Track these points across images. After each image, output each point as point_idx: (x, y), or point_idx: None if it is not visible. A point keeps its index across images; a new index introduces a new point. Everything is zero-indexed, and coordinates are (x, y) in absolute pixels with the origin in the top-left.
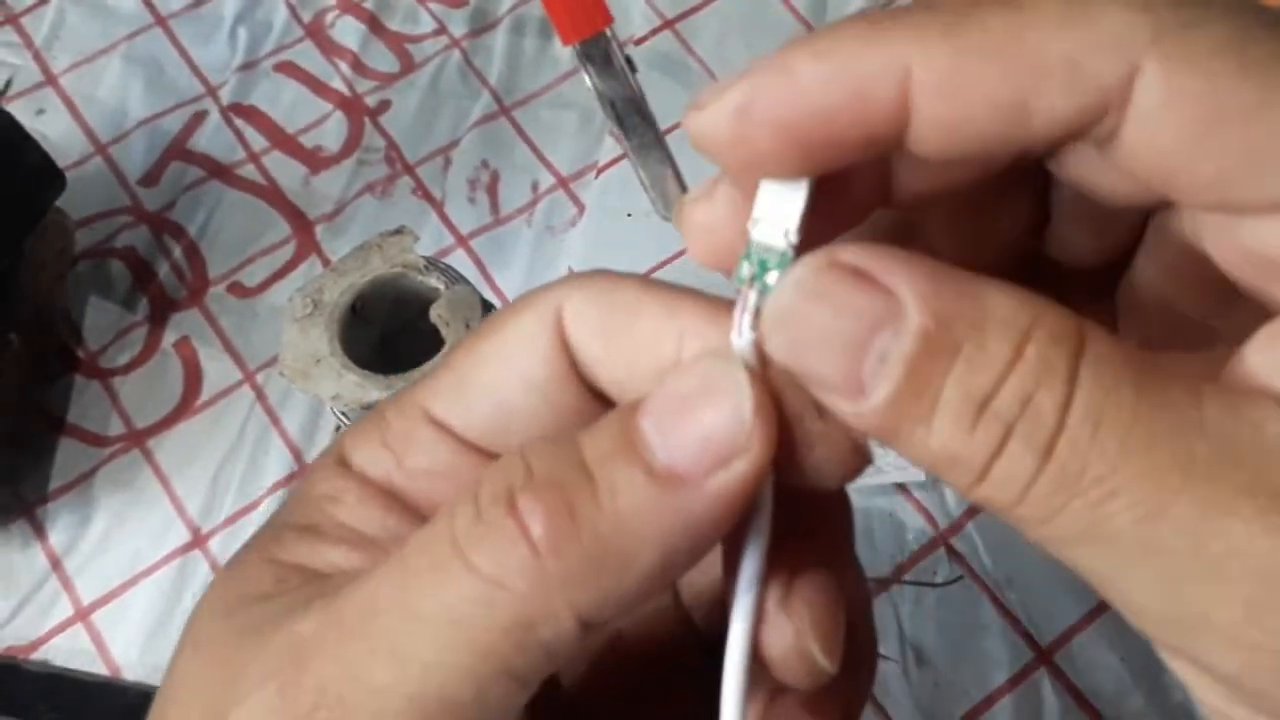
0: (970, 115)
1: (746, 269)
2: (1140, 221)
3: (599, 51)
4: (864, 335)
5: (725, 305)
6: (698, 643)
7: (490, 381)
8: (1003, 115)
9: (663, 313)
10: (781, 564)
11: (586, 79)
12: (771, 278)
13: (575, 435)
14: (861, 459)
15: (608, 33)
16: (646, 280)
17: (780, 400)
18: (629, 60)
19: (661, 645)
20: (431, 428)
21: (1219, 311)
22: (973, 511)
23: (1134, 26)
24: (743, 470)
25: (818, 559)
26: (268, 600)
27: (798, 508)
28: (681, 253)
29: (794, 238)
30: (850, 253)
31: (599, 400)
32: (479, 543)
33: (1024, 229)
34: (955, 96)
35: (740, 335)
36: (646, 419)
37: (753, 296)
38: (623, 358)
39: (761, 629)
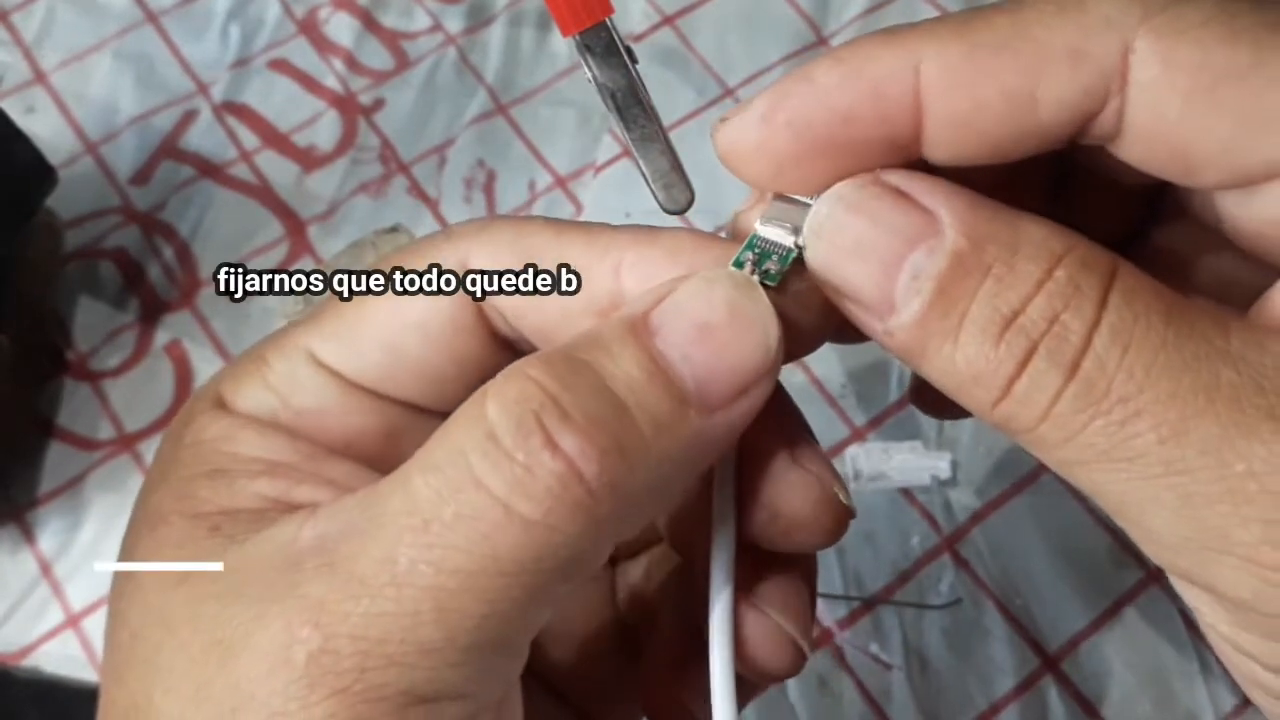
0: (980, 107)
1: (748, 256)
2: (1154, 197)
3: (599, 42)
4: (899, 250)
5: (650, 231)
6: (620, 628)
7: (383, 330)
8: (1012, 105)
9: (591, 253)
10: (777, 439)
11: (586, 71)
12: (772, 264)
13: (580, 355)
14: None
15: (608, 23)
16: (550, 221)
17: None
18: (629, 51)
19: (589, 629)
20: (316, 369)
21: (1231, 280)
22: (978, 517)
23: (1123, 9)
24: (762, 394)
25: (798, 425)
26: (216, 556)
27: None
28: None
29: (801, 238)
30: (893, 174)
31: (503, 347)
32: (524, 490)
33: (1042, 201)
34: (966, 89)
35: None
36: (668, 344)
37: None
38: (550, 303)
39: (788, 494)
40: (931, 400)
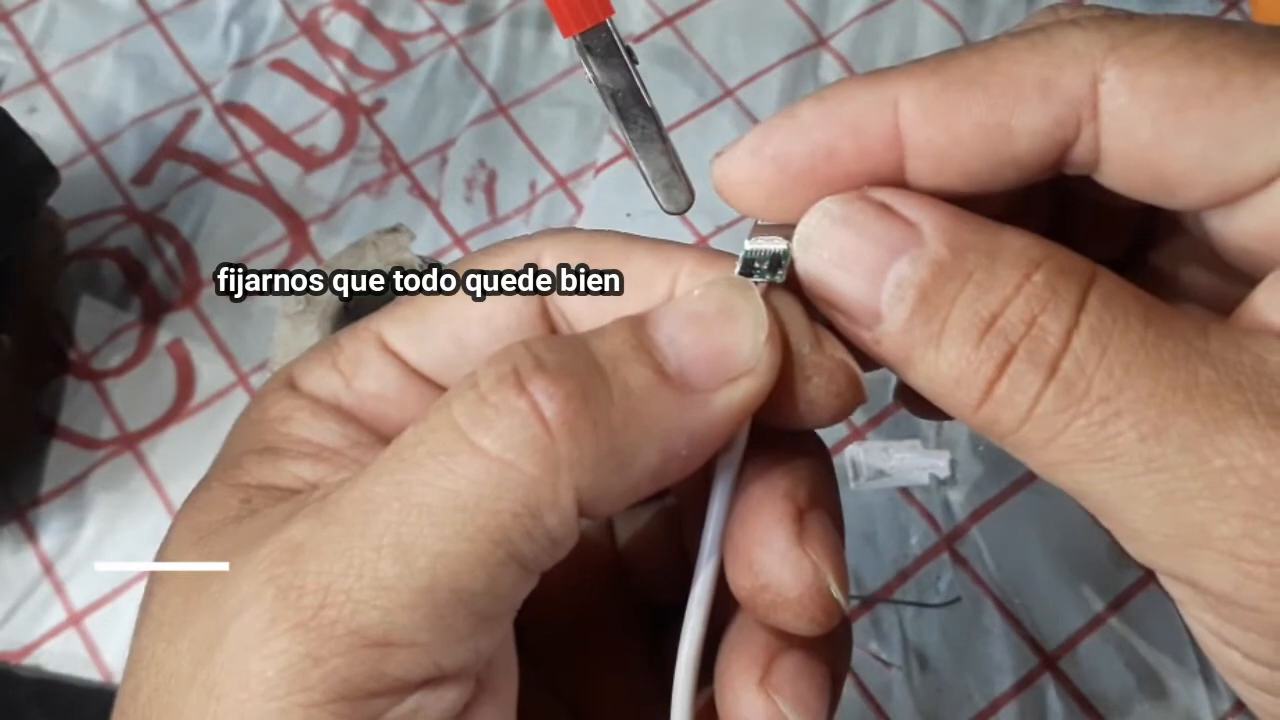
0: (956, 140)
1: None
2: (1148, 220)
3: (600, 43)
4: (883, 260)
5: (715, 253)
6: (645, 624)
7: (452, 319)
8: (987, 136)
9: (655, 260)
10: (788, 507)
11: (586, 71)
12: (767, 267)
13: (581, 335)
14: (856, 392)
15: (608, 24)
16: (623, 233)
17: (783, 331)
18: (629, 52)
19: (611, 623)
20: (383, 353)
21: (1222, 296)
22: (977, 516)
23: (1091, 42)
24: (748, 388)
25: (820, 503)
26: (239, 522)
27: (794, 453)
28: None
29: (790, 244)
30: (878, 190)
31: None
32: (487, 424)
33: (1042, 229)
34: (941, 123)
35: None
36: (658, 330)
37: (747, 244)
38: (609, 309)
39: (780, 571)
40: (916, 398)
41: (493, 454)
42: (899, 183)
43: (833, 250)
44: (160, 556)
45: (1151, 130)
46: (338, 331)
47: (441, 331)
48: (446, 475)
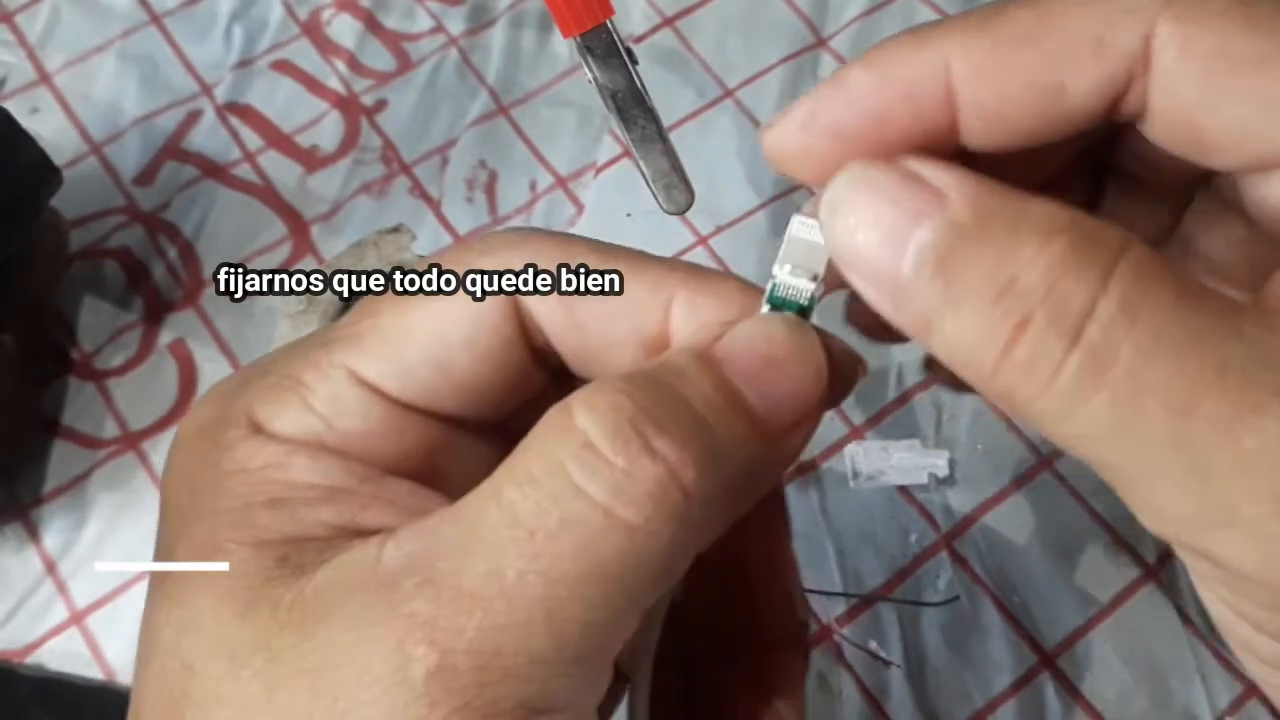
0: (1011, 99)
1: (767, 309)
2: (1184, 199)
3: (600, 44)
4: (906, 225)
5: (699, 273)
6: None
7: (427, 344)
8: (1041, 94)
9: (641, 282)
10: (771, 547)
11: (587, 72)
12: (794, 307)
13: (660, 375)
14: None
15: (609, 24)
16: (595, 241)
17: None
18: (630, 52)
19: None
20: (361, 389)
21: (1259, 268)
22: (976, 515)
23: None
24: (812, 429)
25: (789, 526)
26: (289, 584)
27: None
28: (682, 253)
29: (819, 286)
30: (909, 158)
31: (543, 362)
32: (624, 494)
33: (1079, 203)
34: (995, 83)
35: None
36: (734, 374)
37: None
38: (593, 325)
39: (768, 601)
40: (862, 315)
41: (635, 525)
42: (952, 140)
43: (858, 215)
44: (177, 628)
45: (1197, 92)
46: (285, 363)
47: (419, 361)
48: (588, 549)
